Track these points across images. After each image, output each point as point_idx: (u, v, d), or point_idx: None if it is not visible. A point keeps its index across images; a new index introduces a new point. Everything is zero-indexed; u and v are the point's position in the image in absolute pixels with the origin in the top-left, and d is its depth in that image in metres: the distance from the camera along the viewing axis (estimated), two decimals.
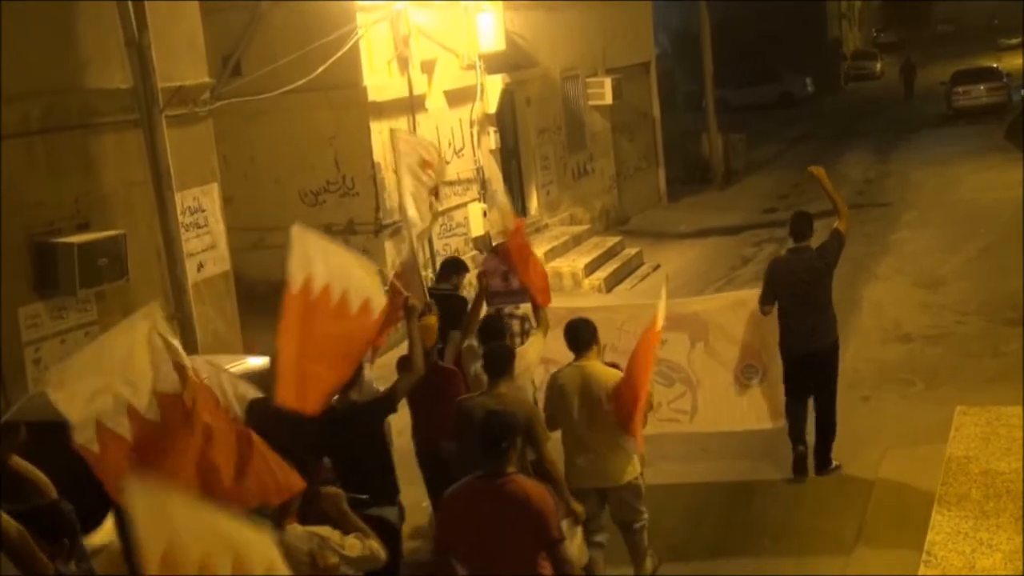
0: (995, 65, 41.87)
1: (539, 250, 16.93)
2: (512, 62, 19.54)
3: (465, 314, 9.34)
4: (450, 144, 17.71)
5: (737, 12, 47.47)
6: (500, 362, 7.53)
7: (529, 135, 20.76)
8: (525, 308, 9.75)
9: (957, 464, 8.84)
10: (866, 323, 15.03)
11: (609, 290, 18.70)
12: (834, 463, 10.24)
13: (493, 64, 18.69)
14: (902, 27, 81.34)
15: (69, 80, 10.98)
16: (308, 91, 14.92)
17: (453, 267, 10.68)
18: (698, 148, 29.82)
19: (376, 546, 5.78)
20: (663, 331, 8.12)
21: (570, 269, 18.89)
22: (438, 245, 16.75)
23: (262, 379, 8.76)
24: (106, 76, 11.37)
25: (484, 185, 18.33)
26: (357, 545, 5.67)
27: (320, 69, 14.73)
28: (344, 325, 7.13)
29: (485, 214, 18.01)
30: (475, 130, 18.32)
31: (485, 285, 9.38)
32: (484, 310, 9.25)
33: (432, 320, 8.75)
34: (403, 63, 16.37)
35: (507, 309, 9.79)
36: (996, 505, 8.09)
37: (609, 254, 20.01)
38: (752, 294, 10.12)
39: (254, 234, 15.91)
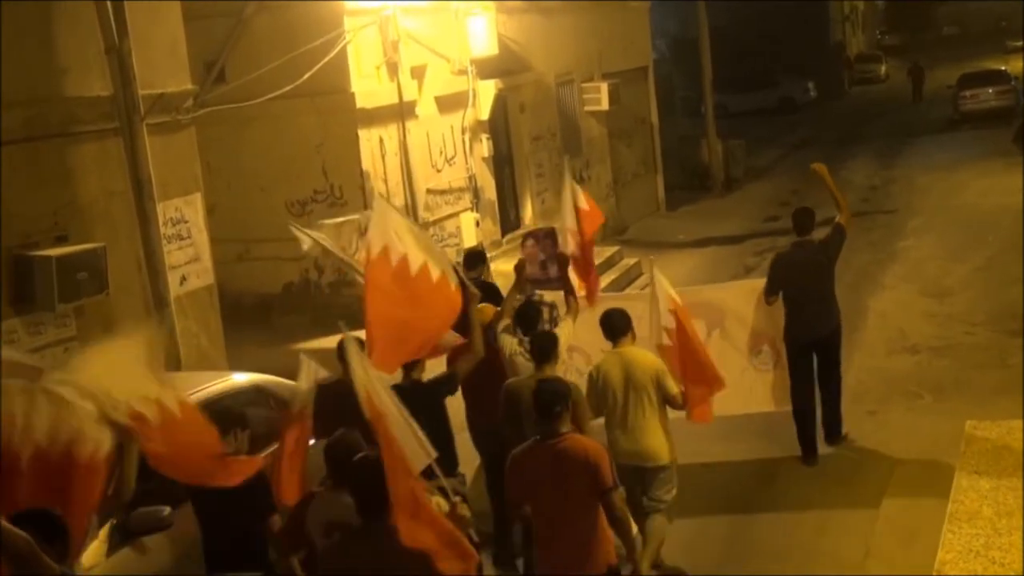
0: (1003, 68, 41.94)
1: None
2: (505, 67, 19.53)
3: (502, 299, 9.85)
4: (441, 152, 17.69)
5: (736, 15, 47.58)
6: (547, 348, 8.31)
7: (523, 142, 20.74)
8: (553, 296, 10.36)
9: (968, 480, 8.80)
10: (871, 334, 15.01)
11: None
12: (844, 432, 11.11)
13: (485, 69, 18.68)
14: (907, 29, 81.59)
15: (47, 88, 10.93)
16: (294, 98, 14.90)
17: (478, 258, 11.14)
18: (697, 154, 29.85)
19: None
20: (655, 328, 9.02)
21: None
22: None
23: (248, 397, 8.80)
24: (85, 83, 11.33)
25: (477, 194, 18.36)
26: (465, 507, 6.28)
27: (307, 75, 14.71)
28: (427, 291, 8.04)
29: (478, 224, 18.03)
30: (467, 137, 18.30)
31: (524, 271, 9.86)
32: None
33: (488, 307, 9.38)
34: (392, 68, 16.35)
35: (535, 296, 10.36)
36: (1009, 523, 8.05)
37: (607, 264, 19.97)
38: (761, 282, 10.95)
39: (239, 246, 15.89)
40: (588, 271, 10.24)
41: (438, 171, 17.61)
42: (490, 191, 18.86)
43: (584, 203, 10.37)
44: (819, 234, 11.08)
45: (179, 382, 7.46)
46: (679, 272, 20.07)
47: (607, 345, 8.96)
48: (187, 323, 12.35)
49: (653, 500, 8.67)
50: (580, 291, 9.89)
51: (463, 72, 18.13)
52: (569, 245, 10.09)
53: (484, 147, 18.70)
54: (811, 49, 51.30)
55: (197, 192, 12.74)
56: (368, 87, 16.00)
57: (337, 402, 7.27)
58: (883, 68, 60.79)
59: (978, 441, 9.54)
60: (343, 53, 15.46)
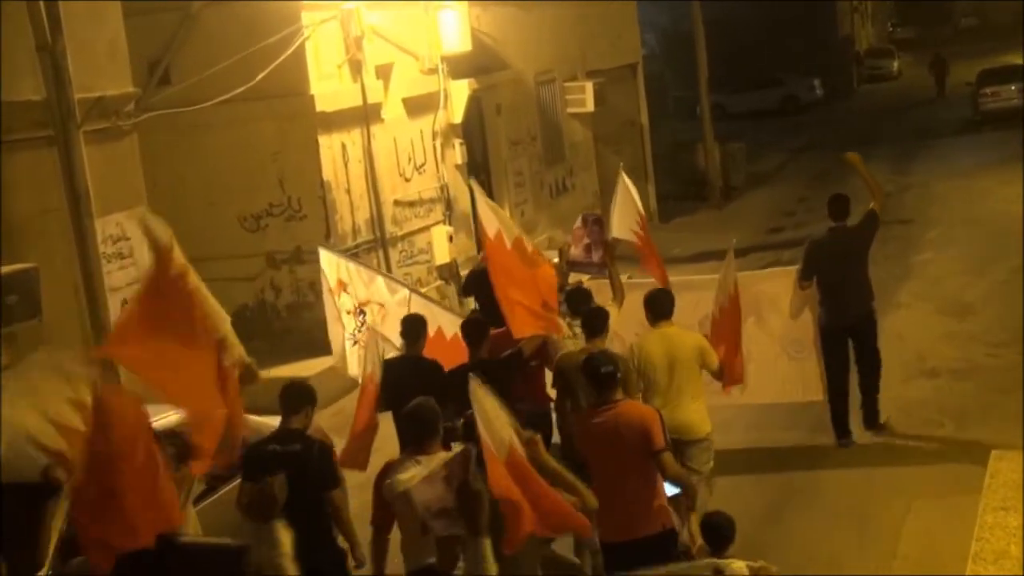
0: None
1: None
2: (479, 65, 19.58)
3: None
4: (410, 159, 17.72)
5: (734, 7, 47.73)
6: (598, 322, 9.54)
7: (500, 147, 20.78)
8: (597, 283, 11.55)
9: (993, 516, 8.82)
10: (886, 357, 14.93)
11: None
12: (882, 417, 12.21)
13: (458, 68, 18.73)
14: (921, 22, 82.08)
15: None
16: (247, 101, 14.91)
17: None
18: (692, 160, 29.93)
19: None
20: (713, 305, 10.46)
21: None
22: (398, 274, 16.70)
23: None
24: (14, 87, 11.32)
25: (449, 205, 18.38)
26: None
27: (261, 76, 14.73)
28: (535, 267, 10.26)
29: (451, 238, 18.04)
30: (438, 143, 18.33)
31: (568, 253, 11.60)
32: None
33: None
34: (356, 68, 16.38)
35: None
36: None
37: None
38: (797, 269, 12.04)
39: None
40: (653, 258, 12.06)
41: (407, 180, 17.64)
42: (464, 202, 18.87)
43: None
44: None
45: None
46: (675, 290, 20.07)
47: (644, 332, 10.04)
48: None
49: (693, 471, 9.35)
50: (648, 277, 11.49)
51: (433, 71, 18.17)
52: (633, 235, 11.88)
53: (457, 153, 18.73)
54: (817, 44, 51.54)
55: (140, 206, 12.71)
56: (329, 88, 16.02)
57: (400, 377, 9.06)
58: (895, 64, 61.12)
59: (1004, 473, 9.56)
60: (301, 51, 15.48)
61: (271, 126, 15.83)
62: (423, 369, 9.55)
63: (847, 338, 12.01)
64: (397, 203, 17.31)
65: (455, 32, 18.20)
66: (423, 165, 18.07)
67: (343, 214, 16.11)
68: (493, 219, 10.42)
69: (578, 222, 13.19)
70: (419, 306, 11.08)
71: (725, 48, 40.66)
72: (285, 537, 5.86)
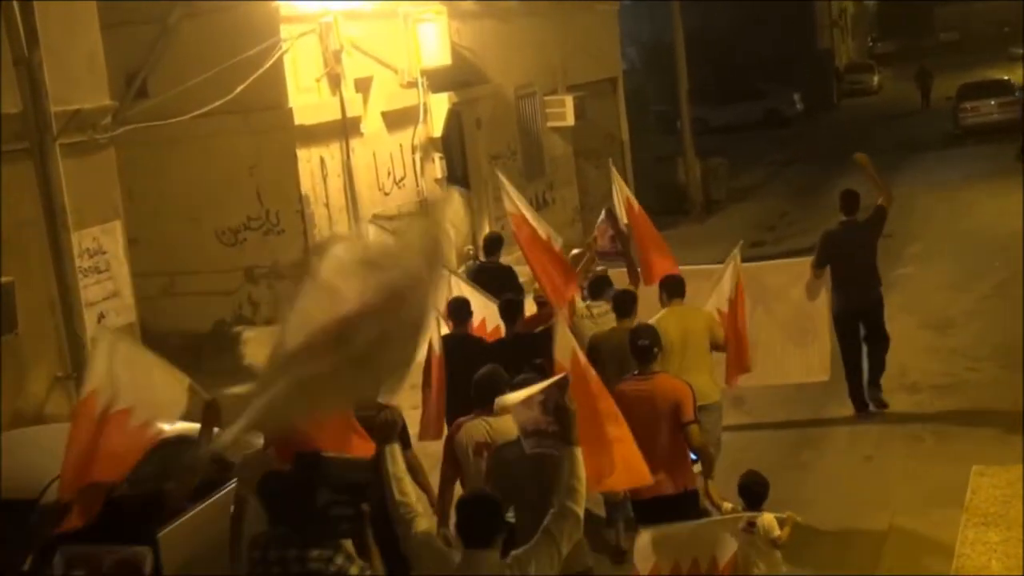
0: (1006, 77, 42.34)
1: None
2: (459, 79, 19.62)
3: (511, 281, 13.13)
4: (389, 173, 17.74)
5: (715, 21, 47.95)
6: (627, 303, 10.71)
7: (479, 161, 20.82)
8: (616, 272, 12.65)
9: (975, 532, 8.86)
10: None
11: None
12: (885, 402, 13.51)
13: (437, 81, 18.76)
14: (902, 36, 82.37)
15: None
16: (225, 114, 14.92)
17: (498, 242, 14.10)
18: (673, 175, 29.96)
19: None
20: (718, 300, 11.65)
21: None
22: None
23: (174, 450, 8.79)
24: None
25: None
26: None
27: (239, 89, 14.74)
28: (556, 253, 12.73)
29: None
30: (418, 157, 18.35)
31: (595, 247, 13.00)
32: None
33: None
34: (334, 81, 16.40)
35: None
36: None
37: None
38: (805, 261, 13.30)
39: (164, 279, 15.84)
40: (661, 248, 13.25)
41: (386, 194, 17.66)
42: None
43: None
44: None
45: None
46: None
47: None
48: None
49: (704, 431, 9.99)
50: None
51: (413, 84, 18.20)
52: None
53: (437, 167, 18.75)
54: (797, 57, 51.68)
55: (117, 220, 12.71)
56: (307, 102, 16.04)
57: (450, 353, 10.21)
58: (876, 78, 61.26)
59: (985, 489, 9.60)
60: (279, 64, 15.50)
61: (249, 139, 15.83)
62: (471, 346, 10.58)
63: (858, 321, 13.44)
64: (376, 217, 17.29)
65: (435, 45, 18.24)
66: (403, 179, 18.09)
67: (321, 228, 16.11)
68: (519, 206, 12.80)
69: (602, 216, 14.24)
70: (459, 287, 12.17)
71: (706, 60, 40.83)
72: (400, 457, 6.62)
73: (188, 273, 16.06)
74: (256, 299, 16.16)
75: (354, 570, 6.65)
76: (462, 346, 10.52)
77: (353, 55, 16.72)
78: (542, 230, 12.89)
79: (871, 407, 13.50)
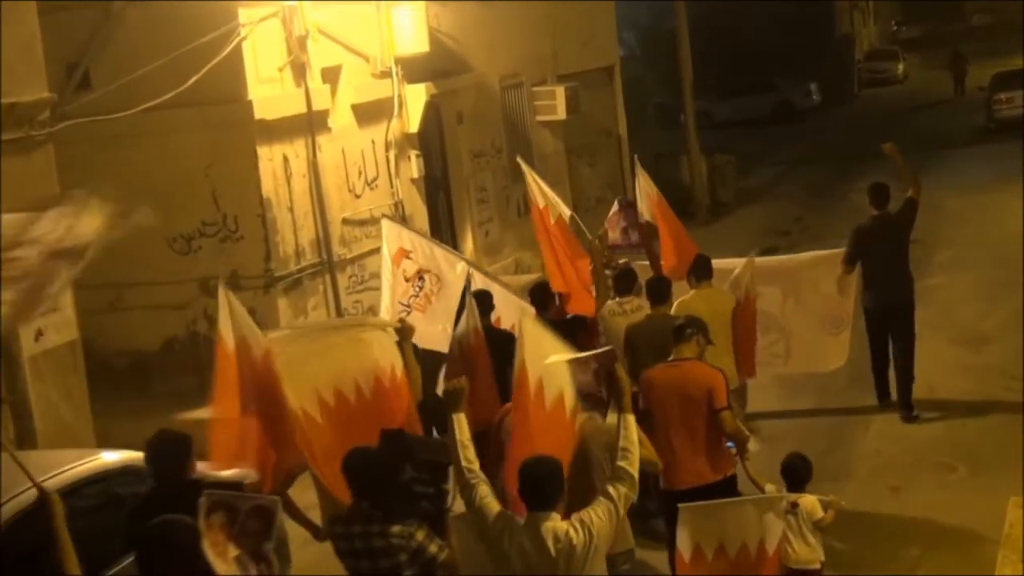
0: None
1: None
2: (438, 68, 19.62)
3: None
4: (360, 173, 17.71)
5: (722, 4, 47.98)
6: (662, 290, 11.99)
7: (461, 160, 20.82)
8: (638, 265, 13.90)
9: (1013, 568, 8.87)
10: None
11: None
12: (915, 413, 14.30)
13: (414, 71, 18.76)
14: (928, 19, 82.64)
15: None
16: (177, 108, 14.89)
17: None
18: (676, 174, 29.97)
19: None
20: (758, 285, 13.12)
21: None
22: (347, 302, 16.70)
23: (121, 481, 8.76)
24: None
25: (405, 224, 18.35)
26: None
27: (192, 80, 14.71)
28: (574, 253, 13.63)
29: None
30: (392, 154, 18.33)
31: (606, 239, 14.38)
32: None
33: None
34: (299, 71, 16.37)
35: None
36: None
37: None
38: (837, 253, 14.31)
39: (109, 292, 15.77)
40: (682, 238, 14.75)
41: (357, 197, 17.63)
42: (421, 220, 18.89)
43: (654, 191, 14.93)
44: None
45: (34, 462, 7.97)
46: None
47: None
48: (44, 388, 12.25)
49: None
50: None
51: (386, 74, 18.19)
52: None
53: (413, 167, 18.74)
54: (813, 44, 51.78)
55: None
56: (269, 94, 16.01)
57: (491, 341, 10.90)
58: (900, 66, 61.46)
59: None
60: (237, 53, 15.47)
61: (204, 136, 15.78)
62: (499, 338, 11.11)
63: (888, 320, 14.39)
64: (346, 222, 17.29)
65: (411, 31, 18.23)
66: (375, 180, 18.06)
67: (285, 234, 16.07)
68: (540, 195, 13.97)
69: (614, 207, 15.66)
70: (479, 280, 13.04)
71: (712, 49, 40.89)
72: (466, 425, 7.42)
73: (136, 285, 15.99)
74: (212, 314, 16.03)
75: (433, 548, 7.48)
76: (489, 337, 11.09)
77: (320, 42, 16.69)
78: (564, 231, 13.93)
79: (907, 419, 14.28)
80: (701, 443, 9.68)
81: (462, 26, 20.73)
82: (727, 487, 9.69)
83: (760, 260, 13.92)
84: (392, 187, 18.31)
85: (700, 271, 12.77)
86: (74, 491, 8.10)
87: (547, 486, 7.00)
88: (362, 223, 17.57)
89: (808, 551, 9.11)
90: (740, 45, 49.21)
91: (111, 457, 9.16)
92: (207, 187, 15.96)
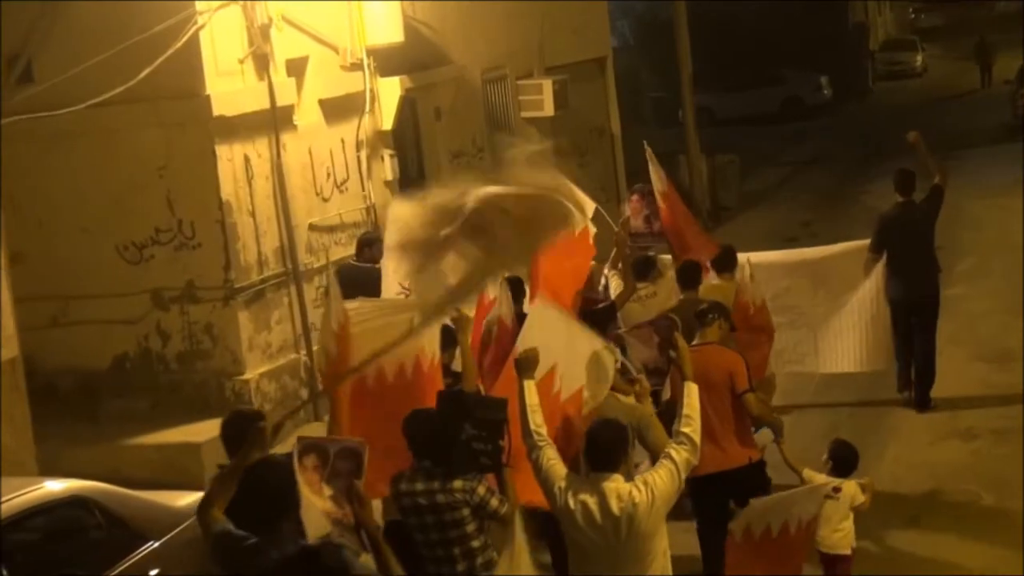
0: None
1: None
2: (414, 60, 19.63)
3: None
4: (329, 174, 17.70)
5: None
6: (692, 275, 13.01)
7: (439, 160, 20.81)
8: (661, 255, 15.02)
9: None
10: (911, 414, 15.15)
11: None
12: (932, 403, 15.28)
13: (388, 63, 18.76)
14: (950, 6, 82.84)
15: None
16: (128, 103, 14.86)
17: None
18: (674, 175, 29.86)
19: None
20: (785, 278, 14.38)
21: None
22: (314, 315, 16.66)
23: (66, 512, 8.75)
24: None
25: (377, 230, 18.33)
26: None
27: (144, 73, 14.67)
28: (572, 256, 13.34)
29: None
30: (363, 154, 18.33)
31: (628, 227, 15.36)
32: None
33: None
34: (261, 63, 16.36)
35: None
36: None
37: None
38: (866, 244, 15.03)
39: (53, 305, 15.75)
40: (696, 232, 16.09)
41: (325, 200, 17.62)
42: None
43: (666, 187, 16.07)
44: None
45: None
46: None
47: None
48: None
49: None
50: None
51: (357, 67, 18.18)
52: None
53: (387, 167, 18.73)
54: (824, 34, 51.83)
55: None
56: (228, 88, 15.99)
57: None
58: (919, 58, 61.57)
59: None
60: (194, 43, 15.45)
61: (157, 134, 15.76)
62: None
63: (912, 310, 15.11)
64: (313, 228, 17.27)
65: (384, 20, 18.22)
66: (345, 182, 18.05)
67: (246, 242, 16.05)
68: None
69: (634, 196, 16.53)
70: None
71: (713, 39, 40.93)
72: (535, 391, 8.61)
73: (83, 297, 15.96)
74: (166, 329, 16.05)
75: (494, 501, 8.35)
76: (520, 322, 11.67)
77: (284, 31, 16.68)
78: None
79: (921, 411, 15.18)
80: (727, 427, 10.45)
81: (440, 14, 20.73)
82: (755, 471, 10.51)
83: (788, 252, 15.44)
84: (364, 190, 18.29)
85: (722, 264, 13.78)
86: (14, 524, 8.07)
87: (613, 449, 8.02)
88: (331, 229, 17.57)
89: (841, 537, 10.17)
90: (744, 35, 49.22)
91: (55, 487, 9.14)
92: (161, 190, 15.93)
